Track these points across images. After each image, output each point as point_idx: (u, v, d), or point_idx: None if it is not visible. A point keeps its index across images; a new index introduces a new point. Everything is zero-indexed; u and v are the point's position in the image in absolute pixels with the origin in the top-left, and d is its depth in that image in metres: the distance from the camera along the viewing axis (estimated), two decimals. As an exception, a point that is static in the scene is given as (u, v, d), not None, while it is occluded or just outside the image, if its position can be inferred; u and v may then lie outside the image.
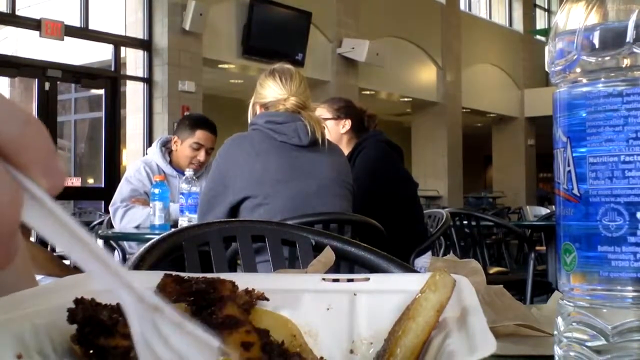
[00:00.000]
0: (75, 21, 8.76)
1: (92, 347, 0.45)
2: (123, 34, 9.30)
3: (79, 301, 0.46)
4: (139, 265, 1.24)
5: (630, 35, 0.54)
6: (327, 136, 2.67)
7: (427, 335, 0.47)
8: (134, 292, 0.37)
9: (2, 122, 0.35)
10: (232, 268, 1.75)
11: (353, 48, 11.56)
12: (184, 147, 3.66)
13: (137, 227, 3.42)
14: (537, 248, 4.65)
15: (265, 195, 2.41)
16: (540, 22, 18.26)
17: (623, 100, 0.54)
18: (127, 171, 3.76)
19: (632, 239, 0.53)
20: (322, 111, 3.32)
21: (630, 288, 0.53)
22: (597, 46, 0.56)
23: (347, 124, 3.36)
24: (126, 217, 3.49)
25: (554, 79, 0.60)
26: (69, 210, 7.30)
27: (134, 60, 9.41)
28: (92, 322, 0.45)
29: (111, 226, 3.70)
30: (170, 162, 3.72)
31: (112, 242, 3.71)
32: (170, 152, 3.76)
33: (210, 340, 0.38)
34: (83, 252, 0.37)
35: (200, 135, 3.65)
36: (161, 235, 1.36)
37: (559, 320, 0.57)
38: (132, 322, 0.37)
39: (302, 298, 0.56)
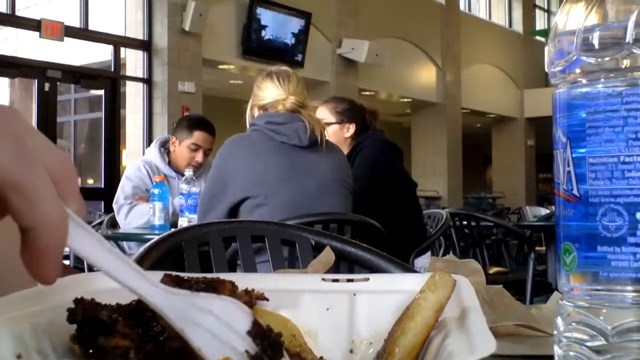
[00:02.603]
0: (75, 22, 8.76)
1: (91, 346, 0.45)
2: (123, 34, 9.30)
3: (78, 301, 0.46)
4: (138, 265, 1.24)
5: (629, 35, 0.54)
6: (328, 138, 2.67)
7: (426, 335, 0.47)
8: (166, 291, 0.43)
9: (50, 154, 0.42)
10: (232, 268, 1.75)
11: (353, 48, 11.56)
12: (182, 148, 3.66)
13: (144, 223, 3.42)
14: (537, 248, 4.65)
15: (265, 195, 2.41)
16: (540, 23, 18.27)
17: (623, 100, 0.54)
18: (127, 170, 3.76)
19: (631, 240, 0.53)
20: (325, 114, 3.30)
21: (629, 288, 0.53)
22: (596, 47, 0.56)
23: (352, 128, 3.33)
24: (131, 213, 3.49)
25: (554, 79, 0.60)
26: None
27: (133, 61, 9.41)
28: (92, 322, 0.45)
29: (111, 226, 3.70)
30: (169, 163, 3.72)
31: (111, 242, 3.71)
32: (168, 152, 3.76)
33: (241, 305, 0.44)
34: (119, 266, 0.43)
35: (198, 136, 3.64)
36: (161, 236, 1.36)
37: (559, 320, 0.57)
38: (170, 316, 0.43)
39: (302, 298, 0.56)
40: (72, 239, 0.42)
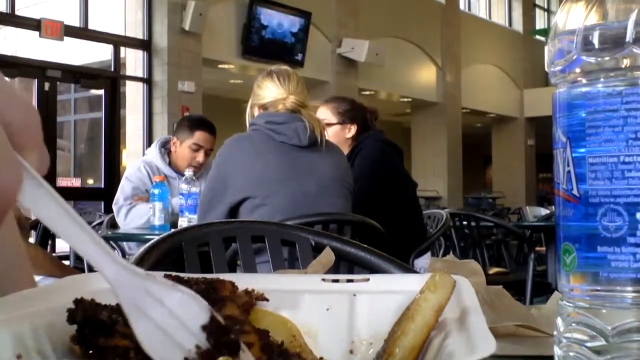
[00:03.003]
0: (74, 21, 8.76)
1: (91, 347, 0.45)
2: (123, 34, 9.31)
3: (78, 301, 0.46)
4: (138, 265, 1.23)
5: (629, 35, 0.54)
6: (327, 137, 2.67)
7: (426, 336, 0.47)
8: (124, 266, 0.41)
9: (9, 103, 0.38)
10: (232, 268, 1.75)
11: (353, 48, 11.56)
12: (183, 148, 3.66)
13: (143, 223, 3.42)
14: (537, 248, 4.65)
15: (265, 195, 2.41)
16: (540, 22, 18.27)
17: (622, 100, 0.54)
18: (127, 170, 3.77)
19: (631, 240, 0.53)
20: (327, 114, 3.29)
21: (629, 288, 0.53)
22: (596, 46, 0.56)
23: (353, 129, 3.32)
24: (131, 214, 3.50)
25: (554, 79, 0.60)
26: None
27: (133, 61, 9.41)
28: (92, 322, 0.45)
29: (111, 226, 3.70)
30: (170, 163, 3.72)
31: (111, 242, 3.71)
32: (169, 153, 3.76)
33: (200, 299, 0.41)
34: (76, 232, 0.40)
35: (199, 136, 3.64)
36: (161, 236, 1.36)
37: (559, 320, 0.57)
38: (121, 298, 0.40)
39: (301, 298, 0.56)
40: (29, 200, 0.39)
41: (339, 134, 3.27)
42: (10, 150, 0.37)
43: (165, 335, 0.40)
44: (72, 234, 0.40)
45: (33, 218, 4.91)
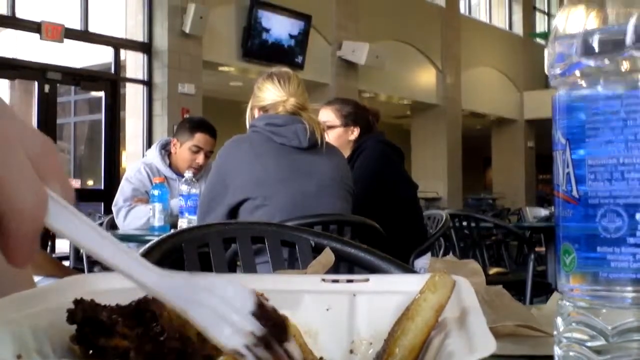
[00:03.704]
0: (75, 24, 8.76)
1: (91, 347, 0.45)
2: (123, 36, 9.31)
3: (78, 302, 0.46)
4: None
5: (629, 38, 0.54)
6: (329, 140, 2.67)
7: (426, 336, 0.47)
8: (161, 274, 0.42)
9: (28, 140, 0.41)
10: (232, 269, 1.75)
11: (353, 51, 11.57)
12: (183, 150, 3.66)
13: (142, 225, 3.42)
14: (537, 249, 4.66)
15: (264, 196, 2.41)
16: (540, 26, 18.29)
17: (622, 103, 0.54)
18: (127, 172, 3.77)
19: (631, 240, 0.53)
20: (330, 117, 3.29)
21: (629, 289, 0.53)
22: (596, 50, 0.56)
23: (356, 131, 3.31)
24: (130, 215, 3.50)
25: (554, 82, 0.60)
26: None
27: (133, 63, 9.41)
28: (92, 322, 0.45)
29: (111, 227, 3.70)
30: (170, 165, 3.73)
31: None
32: (169, 154, 3.76)
33: (243, 285, 0.43)
34: (107, 248, 0.42)
35: (199, 138, 3.65)
36: (161, 237, 1.36)
37: (559, 320, 0.57)
38: (169, 298, 0.41)
39: (302, 299, 0.56)
40: (55, 221, 0.41)
41: (342, 136, 3.26)
42: (35, 177, 0.40)
43: (225, 322, 0.41)
44: (102, 250, 0.42)
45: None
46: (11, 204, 0.38)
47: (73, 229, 0.42)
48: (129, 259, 0.42)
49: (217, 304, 0.41)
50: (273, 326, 0.41)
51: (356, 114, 3.34)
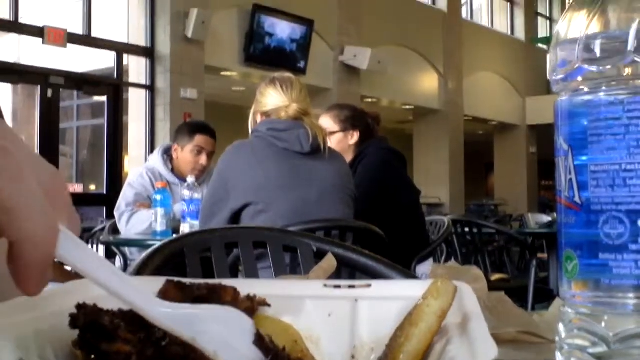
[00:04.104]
0: (78, 28, 8.78)
1: (94, 352, 0.45)
2: (126, 41, 9.33)
3: (80, 306, 0.46)
4: (141, 271, 1.24)
5: (631, 44, 0.54)
6: (331, 145, 2.67)
7: (430, 342, 0.47)
8: (168, 305, 0.44)
9: (39, 170, 0.42)
10: (234, 274, 1.75)
11: (355, 56, 11.57)
12: (185, 154, 3.67)
13: (144, 229, 3.42)
14: (539, 255, 4.65)
15: (266, 202, 2.41)
16: (542, 31, 18.29)
17: (624, 108, 0.54)
18: (130, 176, 3.77)
19: (633, 247, 0.53)
20: (328, 123, 3.29)
21: (631, 295, 0.53)
22: (598, 55, 0.56)
23: (356, 135, 3.32)
24: (132, 220, 3.50)
25: (556, 87, 0.60)
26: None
27: (136, 68, 9.43)
28: (94, 327, 0.45)
29: (113, 232, 3.70)
30: (172, 170, 3.73)
31: (113, 248, 3.71)
32: (171, 159, 3.77)
33: (241, 314, 0.45)
34: (116, 282, 0.44)
35: (200, 139, 3.67)
36: (163, 242, 1.36)
37: (561, 326, 0.57)
38: (176, 329, 0.43)
39: (303, 304, 0.56)
40: (66, 252, 0.42)
41: (342, 141, 3.27)
42: (47, 206, 0.41)
43: (232, 348, 0.43)
44: (112, 283, 0.43)
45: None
46: (24, 232, 0.39)
47: (84, 262, 0.43)
48: (137, 294, 0.44)
49: (222, 332, 0.43)
50: (274, 356, 0.44)
51: (354, 118, 3.35)
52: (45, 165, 0.43)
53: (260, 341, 0.44)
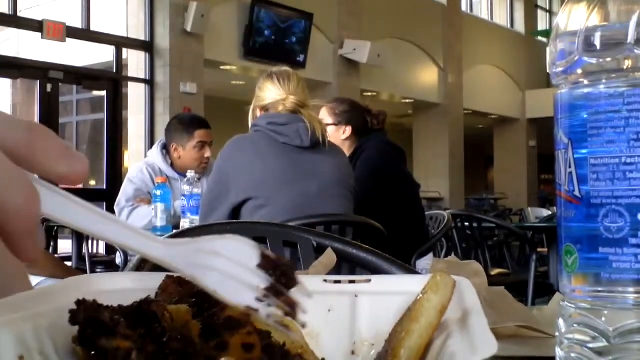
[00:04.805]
0: (77, 23, 8.77)
1: (93, 348, 0.45)
2: (125, 35, 9.32)
3: (80, 302, 0.46)
4: (141, 266, 1.24)
5: (631, 36, 0.54)
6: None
7: (430, 337, 0.47)
8: (165, 243, 0.43)
9: (5, 131, 0.39)
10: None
11: (354, 49, 11.56)
12: (188, 152, 3.67)
13: (145, 225, 3.43)
14: (539, 250, 4.65)
15: (266, 196, 2.41)
16: (542, 23, 18.27)
17: (624, 101, 0.54)
18: (130, 172, 3.77)
19: (633, 241, 0.53)
20: (324, 115, 3.31)
21: (631, 289, 0.53)
22: (598, 47, 0.56)
23: (348, 130, 3.32)
24: (132, 215, 3.51)
25: (555, 80, 0.60)
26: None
27: (135, 62, 9.42)
28: (94, 323, 0.45)
29: (113, 228, 3.70)
30: (172, 165, 3.73)
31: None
32: (170, 155, 3.77)
33: (247, 240, 0.43)
34: (107, 226, 0.43)
35: (200, 134, 3.68)
36: (163, 237, 1.36)
37: (561, 321, 0.57)
38: (176, 265, 0.42)
39: (303, 299, 0.56)
40: (52, 210, 0.41)
41: (334, 134, 3.27)
42: (16, 171, 0.38)
43: (233, 280, 0.42)
44: (106, 230, 0.43)
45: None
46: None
47: (72, 214, 0.42)
48: (132, 234, 0.43)
49: (223, 265, 0.42)
50: (280, 274, 0.43)
51: (350, 113, 3.34)
52: (11, 122, 0.40)
53: (265, 262, 0.42)
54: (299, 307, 0.42)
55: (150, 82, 9.26)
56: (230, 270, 0.42)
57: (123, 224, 0.43)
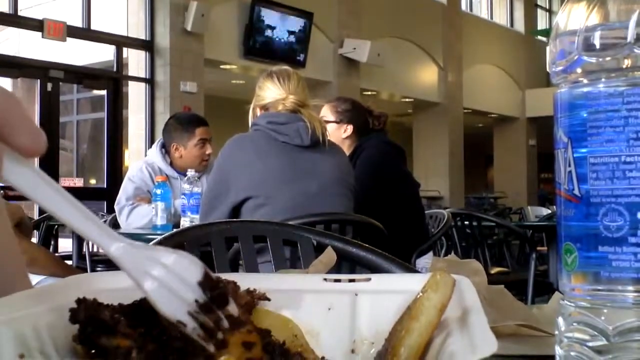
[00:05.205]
0: (77, 22, 8.77)
1: (94, 347, 0.45)
2: (125, 34, 9.31)
3: (80, 301, 0.46)
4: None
5: (631, 35, 0.54)
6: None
7: (430, 335, 0.47)
8: (122, 239, 0.46)
9: None
10: (234, 268, 1.75)
11: (354, 48, 11.56)
12: (190, 150, 3.68)
13: (145, 223, 3.43)
14: (538, 248, 4.65)
15: (266, 195, 2.41)
16: (542, 23, 18.26)
17: (624, 100, 0.54)
18: (130, 171, 3.78)
19: (632, 240, 0.53)
20: (326, 112, 3.32)
21: (630, 288, 0.53)
22: (598, 47, 0.56)
23: (349, 129, 3.33)
24: (133, 214, 3.51)
25: (555, 79, 0.60)
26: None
27: (136, 61, 9.42)
28: (94, 322, 0.45)
29: (114, 226, 3.70)
30: (171, 164, 3.73)
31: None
32: (169, 154, 3.77)
33: (194, 258, 0.46)
34: (70, 211, 0.45)
35: (200, 131, 3.69)
36: (163, 236, 1.36)
37: (560, 320, 0.57)
38: (126, 262, 0.45)
39: (303, 298, 0.56)
40: (13, 177, 0.43)
41: (334, 132, 3.27)
42: None
43: (170, 292, 0.45)
44: (66, 213, 0.45)
45: (36, 218, 4.90)
46: None
47: (31, 186, 0.43)
48: (93, 226, 0.46)
49: (165, 276, 0.45)
50: (216, 294, 0.46)
51: (351, 112, 3.35)
52: None
53: (205, 281, 0.45)
54: (223, 327, 0.45)
55: (150, 81, 9.26)
56: (170, 283, 0.45)
57: (87, 213, 0.45)
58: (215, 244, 1.42)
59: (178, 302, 0.45)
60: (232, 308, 0.47)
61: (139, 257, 0.45)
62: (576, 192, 0.56)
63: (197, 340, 0.45)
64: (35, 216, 5.34)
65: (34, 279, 2.11)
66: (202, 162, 3.65)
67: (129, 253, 0.45)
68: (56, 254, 4.28)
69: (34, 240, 4.27)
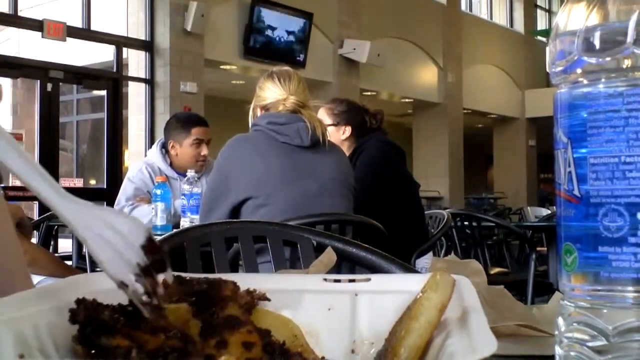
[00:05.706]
0: (77, 22, 8.77)
1: (93, 347, 0.45)
2: (125, 34, 9.31)
3: (80, 301, 0.46)
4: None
5: (630, 35, 0.54)
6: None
7: (430, 335, 0.47)
8: (74, 200, 0.47)
9: None
10: (234, 269, 1.75)
11: (354, 49, 11.56)
12: (185, 149, 3.67)
13: (145, 224, 3.42)
14: (538, 249, 4.65)
15: (267, 196, 2.41)
16: (541, 23, 18.26)
17: (624, 101, 0.54)
18: (129, 171, 3.78)
19: (632, 240, 0.53)
20: (323, 115, 3.31)
21: (630, 288, 0.53)
22: (597, 47, 0.56)
23: (348, 130, 3.33)
24: (132, 215, 3.51)
25: (555, 79, 0.60)
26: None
27: (135, 61, 9.41)
28: (94, 322, 0.45)
29: (113, 227, 3.70)
30: (171, 164, 3.73)
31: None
32: (169, 154, 3.77)
33: (141, 223, 0.48)
34: (27, 170, 0.46)
35: (196, 131, 3.68)
36: (163, 236, 1.36)
37: (560, 320, 0.57)
38: (76, 221, 0.46)
39: (303, 298, 0.56)
40: None
41: (333, 135, 3.27)
42: None
43: (115, 252, 0.46)
44: (23, 172, 0.46)
45: (36, 218, 4.89)
46: None
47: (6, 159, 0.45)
48: (44, 184, 0.47)
49: (112, 237, 0.46)
50: (157, 259, 0.48)
51: (348, 113, 3.35)
52: None
53: (148, 245, 0.47)
54: (160, 292, 0.47)
55: (150, 82, 9.26)
56: (117, 244, 0.46)
57: (41, 171, 0.46)
58: (215, 244, 1.42)
59: (122, 263, 0.46)
60: (168, 276, 0.48)
61: (89, 216, 0.46)
62: (576, 192, 0.56)
63: (197, 343, 0.45)
64: (35, 216, 5.34)
65: (34, 279, 2.10)
66: (198, 162, 3.63)
67: (79, 212, 0.46)
68: (56, 255, 4.28)
69: (34, 240, 4.28)
